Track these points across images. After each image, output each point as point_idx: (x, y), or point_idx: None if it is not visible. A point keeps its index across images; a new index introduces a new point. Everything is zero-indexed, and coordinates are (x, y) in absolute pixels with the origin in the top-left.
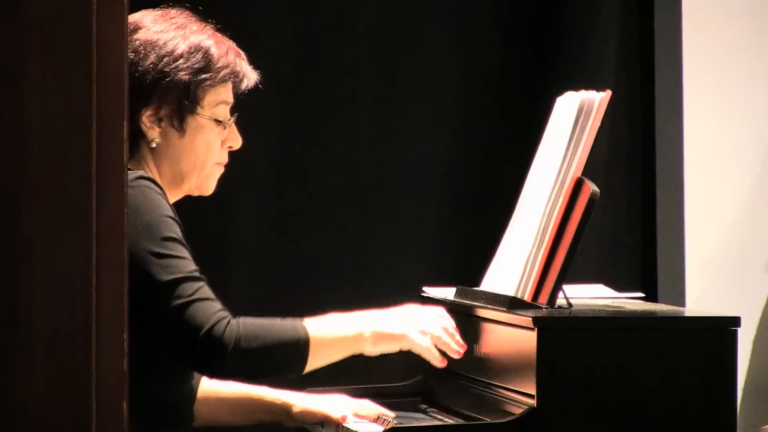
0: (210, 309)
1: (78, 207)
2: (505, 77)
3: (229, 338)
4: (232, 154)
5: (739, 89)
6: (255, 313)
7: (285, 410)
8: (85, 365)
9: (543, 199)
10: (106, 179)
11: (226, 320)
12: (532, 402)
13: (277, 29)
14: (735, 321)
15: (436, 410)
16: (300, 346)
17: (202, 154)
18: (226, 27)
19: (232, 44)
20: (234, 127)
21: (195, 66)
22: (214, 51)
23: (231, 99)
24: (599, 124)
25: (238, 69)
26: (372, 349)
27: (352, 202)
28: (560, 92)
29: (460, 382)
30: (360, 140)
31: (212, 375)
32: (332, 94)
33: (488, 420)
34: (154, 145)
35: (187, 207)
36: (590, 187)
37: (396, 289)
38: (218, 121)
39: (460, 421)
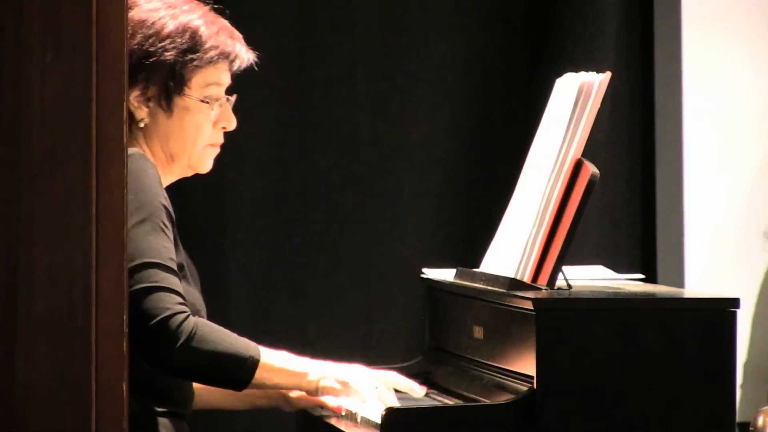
0: (170, 300)
1: (78, 187)
2: (504, 58)
3: (181, 333)
4: (232, 134)
5: (738, 68)
6: (252, 292)
7: (283, 395)
8: (84, 346)
9: (543, 181)
10: (106, 159)
11: (183, 315)
12: (532, 383)
13: (277, 10)
14: (734, 302)
15: (435, 391)
16: (248, 363)
17: (192, 135)
18: (224, 5)
19: (225, 24)
20: (228, 108)
21: (181, 46)
22: (203, 31)
23: (224, 80)
24: (599, 106)
25: (229, 50)
26: (314, 388)
27: (352, 183)
28: (560, 73)
29: (460, 364)
30: (360, 121)
31: (156, 366)
32: (331, 75)
33: (487, 401)
34: (142, 125)
35: (186, 185)
36: (590, 168)
37: (396, 270)
38: (207, 103)
39: (460, 402)
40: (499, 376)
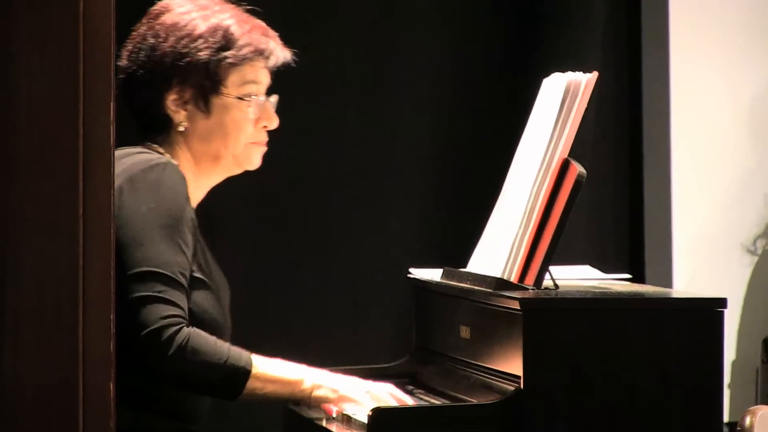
0: (166, 310)
1: (65, 188)
2: (491, 58)
3: (172, 343)
4: None
5: (726, 69)
6: (239, 293)
7: None
8: (72, 346)
9: (529, 180)
10: (93, 160)
11: (176, 326)
12: (518, 383)
13: (264, 10)
14: (721, 302)
15: (422, 391)
16: (239, 374)
17: (233, 133)
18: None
19: (258, 23)
20: (269, 106)
21: (215, 45)
22: (235, 29)
23: (261, 78)
24: (586, 106)
25: (263, 47)
26: (308, 397)
27: (340, 183)
28: (547, 73)
29: (447, 364)
30: (347, 121)
31: (146, 375)
32: (319, 75)
33: (475, 401)
34: (182, 128)
35: None
36: (577, 168)
37: (383, 269)
38: (244, 100)
39: (447, 402)
40: (486, 376)
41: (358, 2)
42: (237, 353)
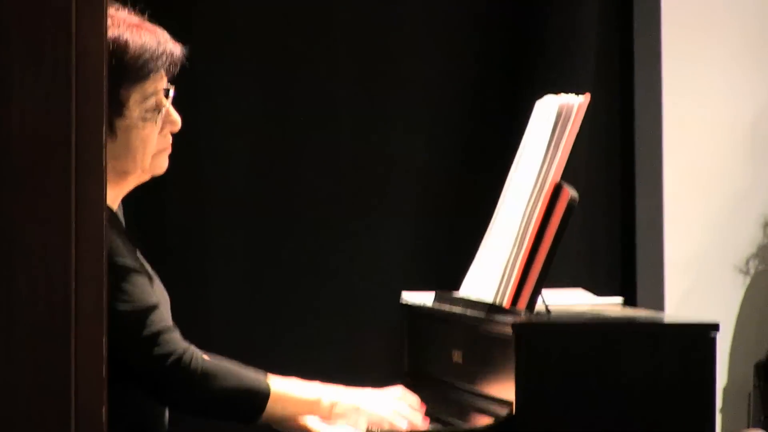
0: (175, 341)
1: (58, 206)
2: (484, 80)
3: (193, 371)
4: (212, 151)
5: (718, 90)
6: (234, 312)
7: None
8: (64, 370)
9: (522, 204)
10: (85, 178)
11: (190, 352)
12: (511, 408)
13: (257, 25)
14: (714, 327)
15: None
16: (260, 396)
17: (140, 150)
18: (205, 19)
19: (148, 28)
20: (170, 111)
21: (113, 70)
22: (130, 47)
23: (161, 86)
24: (578, 129)
25: (160, 62)
26: (327, 414)
27: (332, 205)
28: (539, 96)
29: (439, 388)
30: (340, 143)
31: (170, 405)
32: (313, 94)
33: (467, 426)
34: None
35: (165, 201)
36: (569, 192)
37: (376, 291)
38: (149, 120)
39: (439, 427)
40: (479, 400)
41: (352, 19)
42: (254, 375)
